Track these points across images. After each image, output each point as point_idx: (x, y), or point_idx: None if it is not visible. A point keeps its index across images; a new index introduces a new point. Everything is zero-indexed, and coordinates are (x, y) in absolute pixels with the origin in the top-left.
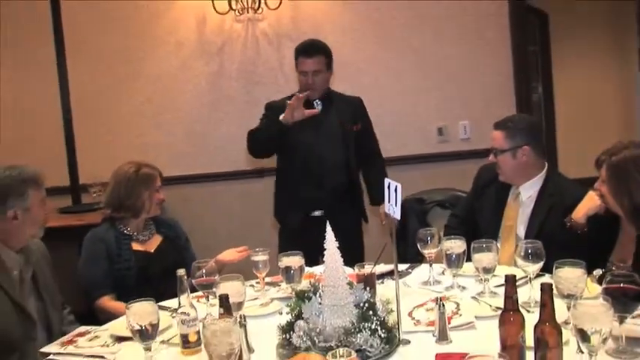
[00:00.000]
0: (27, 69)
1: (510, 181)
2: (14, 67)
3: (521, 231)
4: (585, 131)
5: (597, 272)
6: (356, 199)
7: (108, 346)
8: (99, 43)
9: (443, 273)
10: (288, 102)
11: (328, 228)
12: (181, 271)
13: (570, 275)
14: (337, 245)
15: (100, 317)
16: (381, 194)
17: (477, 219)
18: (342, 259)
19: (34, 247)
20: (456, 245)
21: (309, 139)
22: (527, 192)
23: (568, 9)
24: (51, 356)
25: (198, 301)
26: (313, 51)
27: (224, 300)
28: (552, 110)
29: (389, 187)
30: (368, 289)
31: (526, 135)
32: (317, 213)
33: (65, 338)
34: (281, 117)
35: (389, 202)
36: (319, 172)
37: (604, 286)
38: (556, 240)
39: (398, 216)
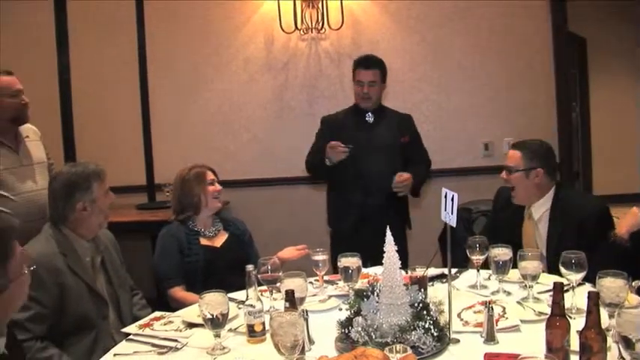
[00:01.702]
0: (111, 80)
1: (522, 202)
2: (100, 76)
3: (544, 251)
4: (618, 150)
5: (636, 283)
6: (401, 206)
7: (181, 330)
8: (177, 58)
9: (489, 278)
10: (330, 149)
11: (388, 233)
12: (250, 267)
13: (612, 285)
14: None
15: (171, 305)
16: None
17: (499, 239)
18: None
19: (102, 235)
20: (502, 252)
21: (359, 147)
22: (539, 211)
23: (604, 33)
24: (130, 336)
25: (262, 294)
26: (371, 63)
27: (290, 295)
28: (588, 129)
29: (446, 197)
30: (422, 290)
31: (541, 159)
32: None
33: (142, 321)
34: (326, 161)
35: (445, 210)
36: (368, 179)
37: None
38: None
39: (454, 223)
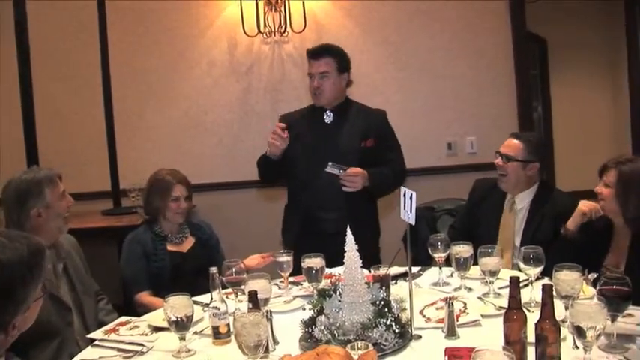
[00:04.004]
0: (75, 85)
1: (510, 189)
2: (63, 81)
3: (517, 240)
4: (580, 148)
5: (592, 275)
6: (367, 217)
7: (147, 335)
8: (141, 62)
9: (451, 275)
10: (270, 140)
11: (349, 232)
12: (214, 269)
13: (568, 278)
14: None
15: (138, 310)
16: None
17: (475, 230)
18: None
19: (64, 241)
20: (463, 250)
21: (309, 154)
22: (522, 202)
23: (564, 34)
24: (96, 342)
25: (227, 297)
26: (322, 51)
27: (253, 295)
28: (550, 128)
29: (404, 195)
30: (384, 288)
31: (539, 153)
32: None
33: (108, 327)
34: (267, 152)
35: (404, 208)
36: (314, 191)
37: (598, 287)
38: (548, 247)
39: (413, 222)
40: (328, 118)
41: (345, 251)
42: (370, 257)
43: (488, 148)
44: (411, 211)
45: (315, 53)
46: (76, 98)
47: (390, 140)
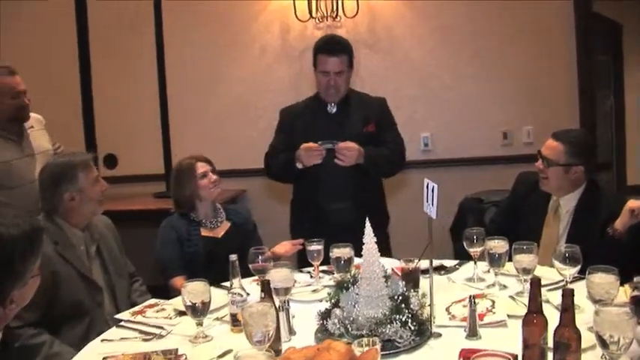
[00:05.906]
0: (131, 71)
1: (553, 192)
2: (121, 69)
3: (562, 244)
4: None
5: (638, 279)
6: (376, 205)
7: (170, 318)
8: (194, 50)
9: (488, 271)
10: (303, 151)
11: (368, 225)
12: (233, 257)
13: (602, 281)
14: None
15: (172, 295)
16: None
17: (516, 227)
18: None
19: (98, 223)
20: (498, 245)
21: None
22: (567, 205)
23: None
24: (122, 322)
25: (257, 284)
26: (337, 49)
27: (266, 285)
28: (623, 118)
29: (427, 187)
30: (404, 282)
31: (584, 155)
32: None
33: (137, 308)
34: (298, 164)
35: (427, 201)
36: (325, 180)
37: (631, 294)
38: (592, 247)
39: (434, 215)
40: (332, 108)
41: (363, 243)
42: (379, 244)
43: (546, 138)
44: (433, 204)
45: (330, 49)
46: (131, 84)
47: (389, 124)
